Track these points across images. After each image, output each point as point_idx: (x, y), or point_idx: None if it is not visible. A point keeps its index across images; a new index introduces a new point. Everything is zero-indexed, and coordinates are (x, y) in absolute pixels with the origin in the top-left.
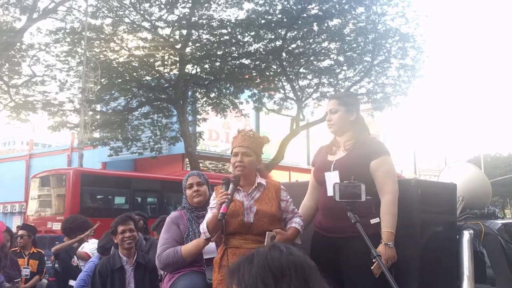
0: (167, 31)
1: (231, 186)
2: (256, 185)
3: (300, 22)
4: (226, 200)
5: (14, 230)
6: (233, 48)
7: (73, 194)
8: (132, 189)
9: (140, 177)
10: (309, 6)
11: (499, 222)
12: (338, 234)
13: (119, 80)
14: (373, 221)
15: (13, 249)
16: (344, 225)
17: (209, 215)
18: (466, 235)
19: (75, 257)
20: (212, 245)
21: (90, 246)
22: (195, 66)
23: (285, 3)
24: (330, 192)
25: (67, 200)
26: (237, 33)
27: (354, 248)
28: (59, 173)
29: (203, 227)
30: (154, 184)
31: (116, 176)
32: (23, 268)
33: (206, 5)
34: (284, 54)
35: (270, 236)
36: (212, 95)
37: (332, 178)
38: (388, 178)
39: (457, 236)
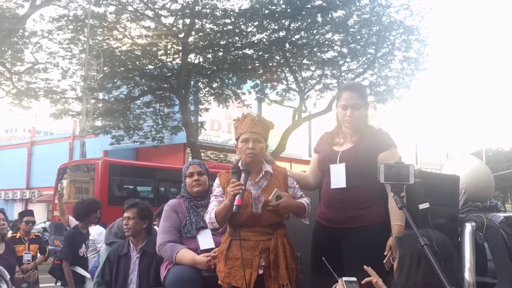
0: (170, 20)
1: (243, 175)
2: (263, 173)
3: (304, 13)
4: (240, 191)
5: (15, 217)
6: (236, 38)
7: (102, 183)
8: (156, 179)
9: (164, 167)
10: None
11: (502, 215)
12: (340, 225)
13: (122, 69)
14: (422, 206)
15: (12, 235)
16: (347, 216)
17: (215, 203)
18: (468, 227)
19: (83, 246)
20: (208, 236)
21: (96, 231)
22: (198, 56)
23: None
24: (334, 185)
25: (96, 189)
26: (241, 23)
27: (356, 239)
28: (88, 163)
29: (210, 216)
30: (177, 174)
31: (142, 166)
32: (25, 253)
33: None
34: (287, 45)
35: (276, 195)
36: (215, 85)
37: (337, 171)
38: None
39: (459, 229)
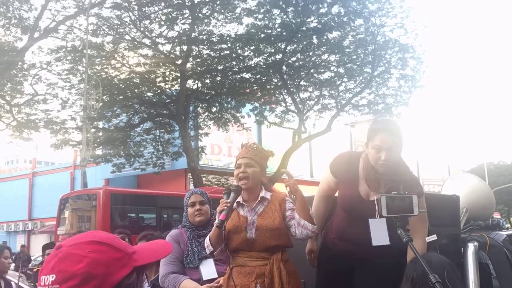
0: (168, 47)
1: (232, 194)
2: (259, 199)
3: (299, 35)
4: (226, 207)
5: (18, 249)
6: (234, 63)
7: (104, 212)
8: (158, 207)
9: (166, 194)
10: (308, 19)
11: (504, 233)
12: (356, 254)
13: (121, 97)
14: (428, 239)
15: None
16: (361, 248)
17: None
18: (471, 247)
19: None
20: (211, 266)
21: None
22: (196, 81)
23: (284, 16)
24: (376, 242)
25: (98, 218)
26: (237, 47)
27: (374, 265)
28: (89, 193)
29: (206, 240)
30: (179, 200)
31: (143, 194)
32: None
33: (206, 20)
34: (284, 67)
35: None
36: (214, 109)
37: (378, 227)
38: (422, 224)
39: (462, 249)
